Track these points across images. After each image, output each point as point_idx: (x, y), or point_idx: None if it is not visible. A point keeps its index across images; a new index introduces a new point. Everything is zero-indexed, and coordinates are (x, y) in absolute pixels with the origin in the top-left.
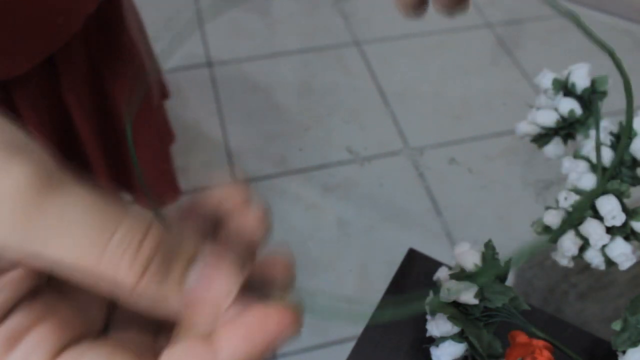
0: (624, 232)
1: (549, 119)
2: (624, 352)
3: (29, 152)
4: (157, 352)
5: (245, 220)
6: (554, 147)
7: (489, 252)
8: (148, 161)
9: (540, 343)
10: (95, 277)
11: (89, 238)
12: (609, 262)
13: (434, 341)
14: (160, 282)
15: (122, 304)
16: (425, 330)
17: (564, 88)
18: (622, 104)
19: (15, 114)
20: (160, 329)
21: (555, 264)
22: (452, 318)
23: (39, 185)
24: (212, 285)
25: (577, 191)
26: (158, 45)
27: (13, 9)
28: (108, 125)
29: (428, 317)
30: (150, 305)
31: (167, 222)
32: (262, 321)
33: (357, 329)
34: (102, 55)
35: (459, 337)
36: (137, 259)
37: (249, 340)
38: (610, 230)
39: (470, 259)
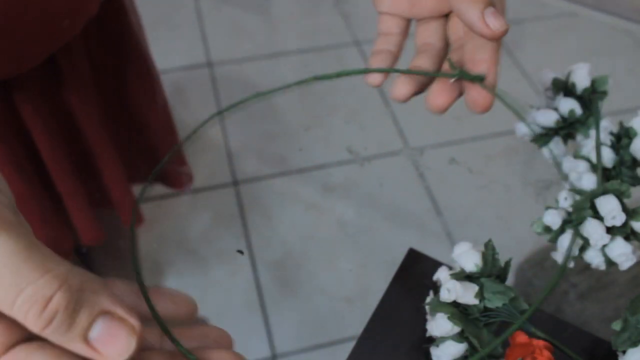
0: (624, 232)
1: (549, 119)
2: (624, 352)
3: None
4: None
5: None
6: (554, 147)
7: (489, 252)
8: (158, 136)
9: (540, 343)
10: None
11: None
12: (609, 262)
13: (434, 341)
14: (64, 332)
15: None
16: (425, 330)
17: (564, 88)
18: (622, 104)
19: (15, 114)
20: None
21: (555, 264)
22: (452, 318)
23: None
24: (111, 341)
25: (577, 191)
26: (158, 45)
27: (19, 13)
28: (115, 119)
29: (428, 317)
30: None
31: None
32: None
33: (357, 329)
34: (104, 52)
35: (459, 337)
36: (43, 314)
37: None
38: (611, 230)
39: (470, 259)
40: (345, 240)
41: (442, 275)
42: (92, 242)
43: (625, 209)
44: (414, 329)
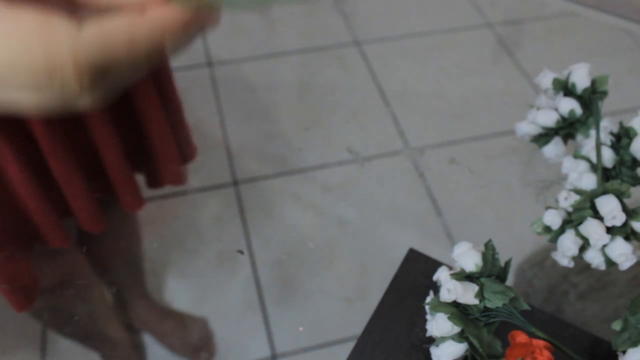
0: (624, 232)
1: (549, 119)
2: (624, 352)
3: None
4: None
5: None
6: (553, 147)
7: (489, 252)
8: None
9: (541, 343)
10: None
11: None
12: (609, 262)
13: (434, 341)
14: None
15: None
16: (425, 330)
17: (564, 88)
18: (622, 104)
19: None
20: None
21: (555, 264)
22: (452, 318)
23: None
24: None
25: (577, 191)
26: None
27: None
28: (118, 113)
29: (428, 317)
30: None
31: None
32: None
33: (357, 329)
34: None
35: (459, 337)
36: None
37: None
38: (611, 230)
39: (470, 259)
40: (345, 240)
41: (442, 275)
42: (91, 227)
43: (625, 209)
44: (414, 329)
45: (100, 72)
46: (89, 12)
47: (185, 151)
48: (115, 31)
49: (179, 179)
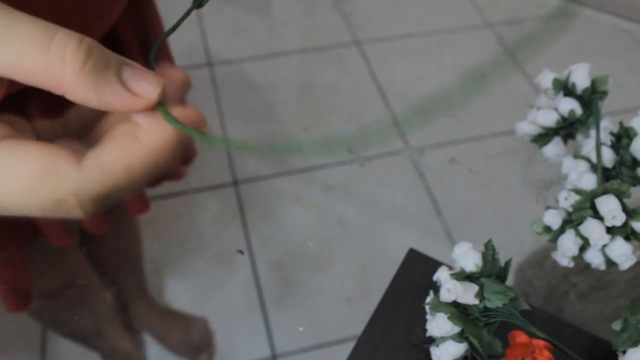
0: (624, 232)
1: (549, 119)
2: (624, 352)
3: None
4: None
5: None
6: (553, 147)
7: (489, 252)
8: None
9: (541, 343)
10: (42, 73)
11: (34, 40)
12: (609, 262)
13: (434, 341)
14: (102, 70)
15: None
16: (425, 330)
17: (564, 88)
18: (622, 104)
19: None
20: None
21: (555, 264)
22: (452, 318)
23: None
24: (142, 78)
25: (577, 191)
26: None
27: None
28: None
29: (428, 317)
30: (89, 94)
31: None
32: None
33: (357, 329)
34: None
35: (459, 337)
36: (80, 46)
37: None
38: (611, 230)
39: (470, 259)
40: (345, 240)
41: (442, 275)
42: (95, 229)
43: (625, 209)
44: (414, 329)
45: (101, 200)
46: (84, 125)
47: (185, 152)
48: (113, 165)
49: (179, 175)
